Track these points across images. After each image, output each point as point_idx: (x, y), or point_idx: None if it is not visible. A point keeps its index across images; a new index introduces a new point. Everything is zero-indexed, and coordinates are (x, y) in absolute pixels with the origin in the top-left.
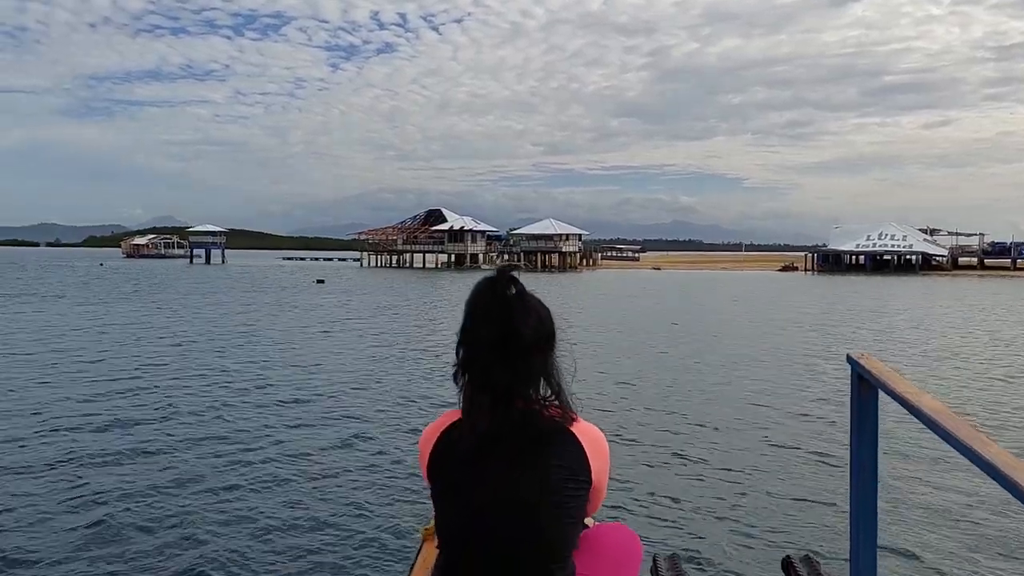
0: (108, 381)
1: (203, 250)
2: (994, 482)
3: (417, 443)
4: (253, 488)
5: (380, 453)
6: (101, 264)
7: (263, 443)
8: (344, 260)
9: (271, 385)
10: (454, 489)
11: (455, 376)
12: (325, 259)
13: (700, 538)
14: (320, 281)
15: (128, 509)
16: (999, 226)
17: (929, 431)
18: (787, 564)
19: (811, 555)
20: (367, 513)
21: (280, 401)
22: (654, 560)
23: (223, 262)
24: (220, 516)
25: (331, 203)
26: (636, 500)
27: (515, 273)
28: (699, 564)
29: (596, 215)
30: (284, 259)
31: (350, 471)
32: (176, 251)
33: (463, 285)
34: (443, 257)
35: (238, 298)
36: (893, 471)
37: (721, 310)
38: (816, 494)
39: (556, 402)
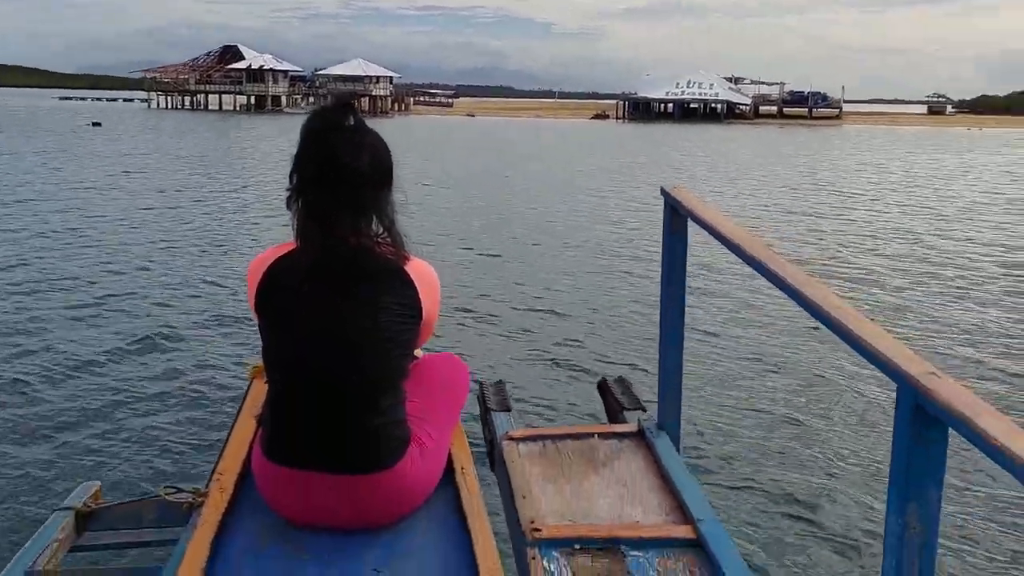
0: None
1: None
2: (789, 298)
3: (243, 279)
4: (65, 350)
5: (195, 298)
6: None
7: (64, 302)
8: (131, 101)
9: (53, 241)
10: (282, 319)
11: (288, 202)
12: (109, 100)
13: (525, 365)
14: (96, 124)
15: None
16: (792, 76)
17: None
18: (603, 385)
19: (624, 377)
20: (192, 359)
21: (69, 258)
22: (481, 386)
23: None
24: (30, 379)
25: (120, 39)
26: (465, 332)
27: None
28: (523, 388)
29: (408, 58)
30: (61, 99)
31: (166, 322)
32: None
33: (264, 130)
34: (241, 99)
35: None
36: (701, 297)
37: (541, 157)
38: (627, 320)
39: (388, 239)
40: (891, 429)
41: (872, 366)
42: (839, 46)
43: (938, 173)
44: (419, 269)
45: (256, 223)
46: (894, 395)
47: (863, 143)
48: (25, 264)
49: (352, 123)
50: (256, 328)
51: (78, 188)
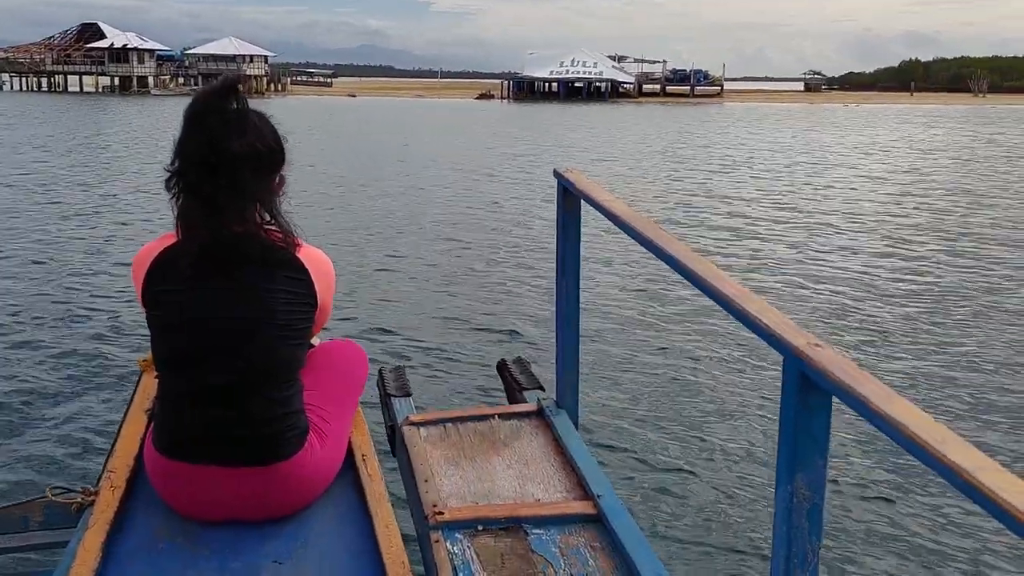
0: None
1: None
2: (676, 273)
3: (128, 271)
4: None
5: (76, 292)
6: None
7: None
8: None
9: None
10: (170, 311)
11: (167, 184)
12: None
13: (424, 349)
14: None
15: None
16: (667, 54)
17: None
18: (501, 367)
19: (522, 357)
20: (77, 354)
21: None
22: (380, 372)
23: None
24: None
25: None
26: (361, 317)
27: (240, 86)
28: (423, 373)
29: (282, 37)
30: None
31: (46, 318)
32: None
33: (133, 113)
34: (104, 80)
35: None
36: (597, 273)
37: (432, 137)
38: (524, 301)
39: (275, 227)
40: (779, 399)
41: (760, 339)
42: (713, 24)
43: (849, 150)
44: (312, 256)
45: (136, 213)
46: (781, 367)
47: (755, 120)
48: None
49: (236, 106)
50: (144, 320)
51: None
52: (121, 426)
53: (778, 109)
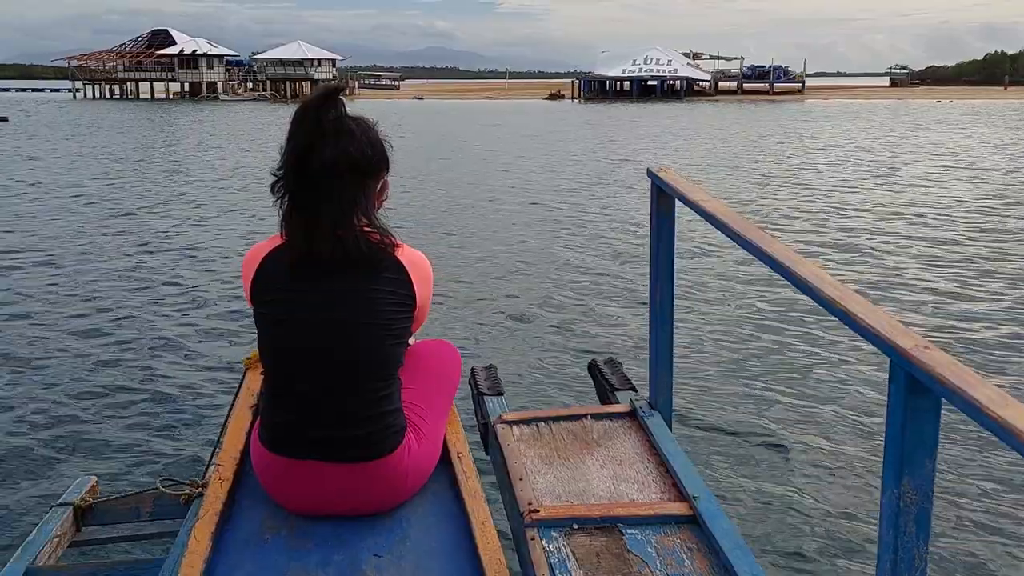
0: None
1: None
2: (776, 274)
3: (232, 271)
4: (56, 347)
5: (183, 295)
6: None
7: (45, 304)
8: (58, 91)
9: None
10: (277, 310)
11: (272, 188)
12: (34, 90)
13: (515, 349)
14: (2, 119)
15: None
16: (736, 51)
17: (722, 234)
18: (593, 367)
19: (614, 357)
20: (183, 351)
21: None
22: (472, 371)
23: None
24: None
25: (48, 26)
26: (456, 317)
27: (342, 95)
28: (514, 372)
29: (351, 40)
30: None
31: (155, 317)
32: None
33: (201, 119)
34: (175, 86)
35: None
36: (690, 273)
37: (512, 139)
38: (621, 304)
39: (373, 229)
40: (882, 402)
41: (863, 340)
42: (781, 20)
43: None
44: (412, 257)
45: (240, 218)
46: (884, 368)
47: (851, 118)
48: None
49: (334, 115)
50: (250, 318)
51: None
52: (227, 421)
53: (867, 107)
